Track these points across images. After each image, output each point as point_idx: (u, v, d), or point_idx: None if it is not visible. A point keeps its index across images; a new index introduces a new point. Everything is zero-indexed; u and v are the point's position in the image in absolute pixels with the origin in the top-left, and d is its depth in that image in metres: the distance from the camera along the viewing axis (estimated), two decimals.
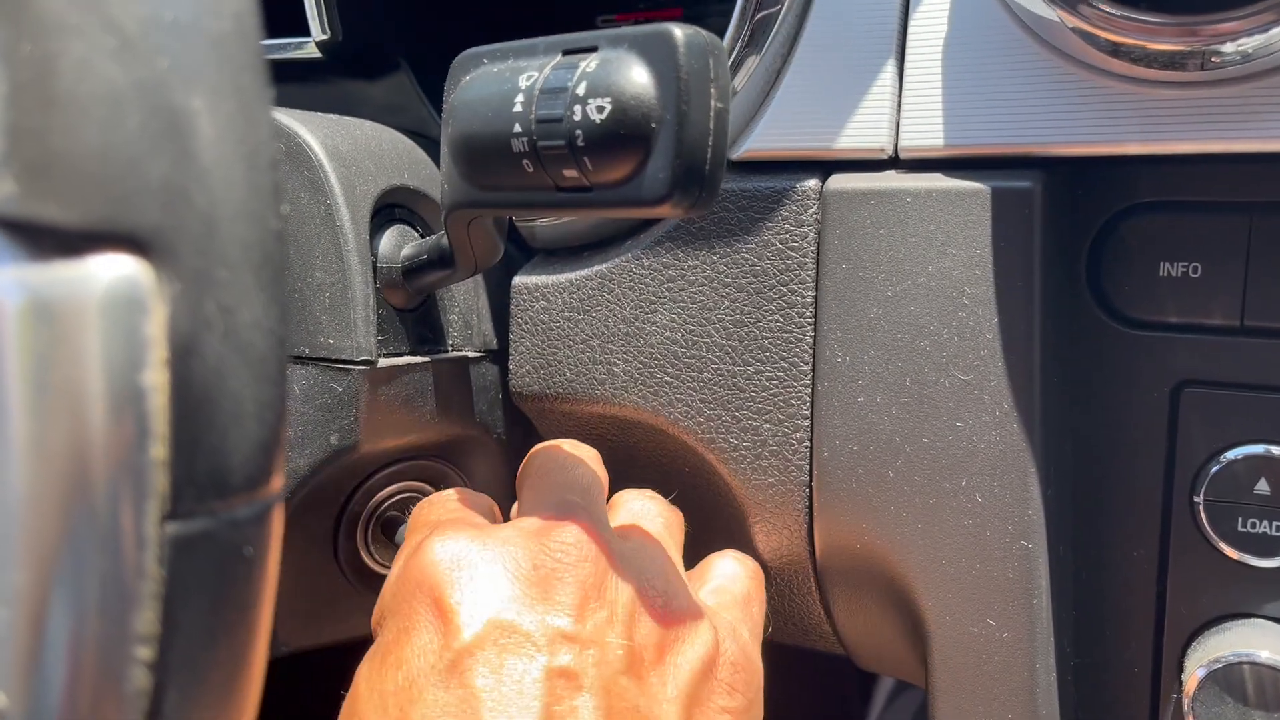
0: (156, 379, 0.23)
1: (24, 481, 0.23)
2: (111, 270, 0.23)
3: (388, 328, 0.54)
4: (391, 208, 0.55)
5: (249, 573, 0.26)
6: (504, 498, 0.64)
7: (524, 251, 0.61)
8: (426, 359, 0.55)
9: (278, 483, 0.26)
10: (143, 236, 0.23)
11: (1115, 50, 0.43)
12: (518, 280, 0.58)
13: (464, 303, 0.58)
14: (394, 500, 0.58)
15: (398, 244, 0.54)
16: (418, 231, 0.56)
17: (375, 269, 0.53)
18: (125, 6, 0.22)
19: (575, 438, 0.60)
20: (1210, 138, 0.42)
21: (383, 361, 0.53)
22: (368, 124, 0.58)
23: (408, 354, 0.55)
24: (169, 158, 0.23)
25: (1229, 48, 0.41)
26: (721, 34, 0.75)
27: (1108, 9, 0.42)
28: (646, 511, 0.48)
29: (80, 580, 0.23)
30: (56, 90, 0.22)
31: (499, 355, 0.60)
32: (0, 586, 0.25)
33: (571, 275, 0.56)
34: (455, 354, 0.57)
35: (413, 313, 0.56)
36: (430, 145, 0.61)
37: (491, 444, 0.61)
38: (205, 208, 0.23)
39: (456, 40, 0.72)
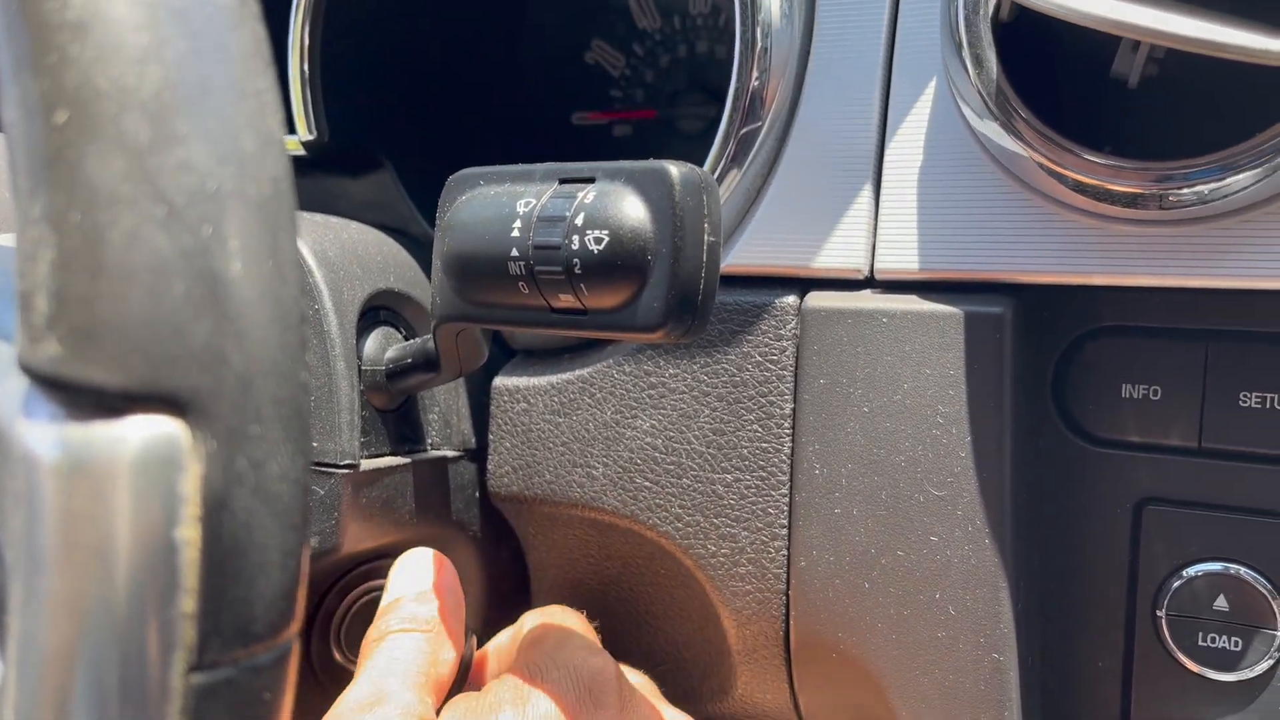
0: (189, 534, 0.23)
1: (52, 636, 0.23)
2: (148, 430, 0.23)
3: (369, 428, 0.54)
4: (376, 310, 0.56)
5: (265, 716, 0.26)
6: (477, 595, 0.64)
7: (504, 351, 0.62)
8: (407, 459, 0.56)
9: (296, 626, 0.26)
10: (182, 398, 0.23)
11: (1080, 187, 0.45)
12: (498, 381, 0.59)
13: (444, 402, 0.59)
14: (367, 599, 0.58)
15: (382, 346, 0.55)
16: (401, 333, 0.57)
17: (360, 372, 0.54)
18: (174, 179, 0.23)
19: (552, 538, 0.60)
20: (1168, 273, 0.45)
21: (365, 464, 0.53)
22: (354, 225, 0.59)
23: (388, 454, 0.55)
24: (210, 322, 0.23)
25: (1185, 191, 0.43)
26: (697, 136, 0.78)
27: (1073, 149, 0.45)
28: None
29: None
30: (105, 259, 0.23)
31: (476, 454, 0.61)
32: None
33: (552, 378, 0.57)
34: (435, 454, 0.58)
35: (394, 412, 0.56)
36: (412, 243, 0.62)
37: (467, 541, 0.61)
38: (241, 368, 0.24)
39: (439, 140, 0.73)
